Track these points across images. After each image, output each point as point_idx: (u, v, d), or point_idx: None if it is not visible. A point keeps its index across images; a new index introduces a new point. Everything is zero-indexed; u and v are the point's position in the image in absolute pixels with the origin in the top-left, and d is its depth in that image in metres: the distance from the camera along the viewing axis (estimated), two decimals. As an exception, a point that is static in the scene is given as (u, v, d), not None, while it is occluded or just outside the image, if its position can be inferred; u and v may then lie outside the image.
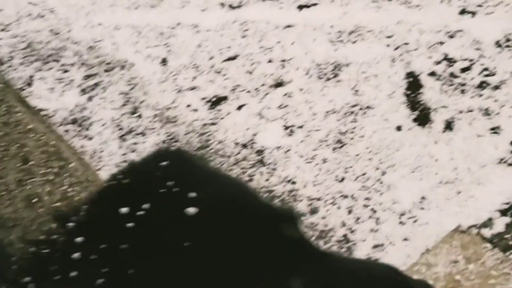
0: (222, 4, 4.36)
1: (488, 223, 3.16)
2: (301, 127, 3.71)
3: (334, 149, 3.61)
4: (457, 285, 2.67)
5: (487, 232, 3.10)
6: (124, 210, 0.99)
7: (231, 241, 1.00)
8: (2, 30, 4.45)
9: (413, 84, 3.80)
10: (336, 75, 3.88)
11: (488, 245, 2.76)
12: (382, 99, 3.76)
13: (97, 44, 4.27)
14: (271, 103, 3.82)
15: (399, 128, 3.64)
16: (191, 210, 0.98)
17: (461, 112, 3.64)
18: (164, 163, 1.10)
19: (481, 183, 3.36)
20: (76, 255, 0.97)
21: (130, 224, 0.97)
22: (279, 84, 3.90)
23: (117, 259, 0.96)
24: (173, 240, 0.97)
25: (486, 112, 3.60)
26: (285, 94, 3.85)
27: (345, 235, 3.29)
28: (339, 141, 3.63)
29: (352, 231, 3.31)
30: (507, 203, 3.24)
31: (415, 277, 2.68)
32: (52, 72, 4.14)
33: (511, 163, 3.40)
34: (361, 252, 3.21)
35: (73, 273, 0.96)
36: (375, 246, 3.22)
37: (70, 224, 1.04)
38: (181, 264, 0.96)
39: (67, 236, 1.03)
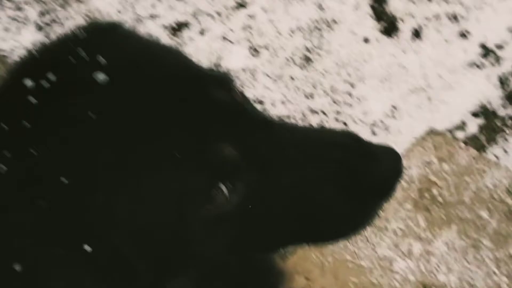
0: None
1: (461, 126, 3.11)
2: (266, 47, 3.61)
3: (301, 66, 3.52)
4: (433, 185, 2.64)
5: (460, 134, 3.05)
6: (28, 83, 0.91)
7: (147, 105, 0.92)
8: None
9: (378, -6, 3.70)
10: (298, -8, 3.77)
11: (462, 144, 2.73)
12: (347, 12, 3.66)
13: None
14: (234, 26, 3.71)
15: (366, 40, 3.56)
16: (100, 76, 0.90)
17: (428, 19, 3.56)
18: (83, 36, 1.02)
19: (452, 88, 3.31)
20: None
21: (34, 100, 0.89)
22: (241, 6, 3.78)
23: (21, 138, 0.88)
24: (81, 111, 0.88)
25: (454, 17, 3.53)
26: (248, 15, 3.74)
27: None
28: (306, 58, 3.54)
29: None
30: (478, 105, 3.19)
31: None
32: (6, 11, 3.98)
33: (480, 65, 3.34)
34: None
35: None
36: (349, 159, 3.16)
37: None
38: (90, 136, 0.88)
39: None
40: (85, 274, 0.86)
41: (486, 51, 3.39)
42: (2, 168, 0.86)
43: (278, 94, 3.46)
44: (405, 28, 3.55)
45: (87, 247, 0.85)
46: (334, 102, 3.39)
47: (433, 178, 2.66)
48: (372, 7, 3.65)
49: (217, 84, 1.03)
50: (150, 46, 1.09)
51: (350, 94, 3.39)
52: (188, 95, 0.96)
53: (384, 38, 3.55)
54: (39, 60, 0.98)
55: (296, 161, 1.05)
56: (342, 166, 1.08)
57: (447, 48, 3.44)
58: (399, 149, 2.88)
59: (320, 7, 3.70)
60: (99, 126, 0.87)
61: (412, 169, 2.71)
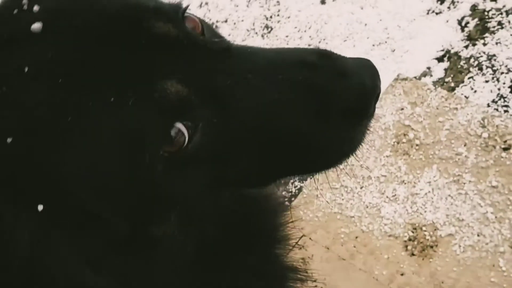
0: None
1: (427, 72, 3.15)
2: (225, 21, 3.62)
3: (262, 35, 3.53)
4: (408, 129, 2.67)
5: (428, 80, 3.09)
6: None
7: (84, 49, 0.85)
8: None
9: (329, -44, 3.72)
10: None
11: (431, 87, 2.76)
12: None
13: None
14: (192, 3, 3.70)
15: (323, 2, 3.58)
16: (36, 26, 0.84)
17: (381, -27, 3.58)
18: None
19: (413, 37, 3.34)
20: None
21: None
22: (195, -16, 3.78)
23: None
24: (19, 64, 0.83)
25: (406, -32, 3.56)
26: (203, -8, 3.74)
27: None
28: (266, 26, 3.55)
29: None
30: (441, 50, 3.22)
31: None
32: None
33: (438, 11, 3.38)
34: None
35: None
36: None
37: None
38: (32, 88, 0.83)
39: None
40: (42, 231, 0.83)
41: (442, -3, 3.44)
42: None
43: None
44: (360, -15, 3.58)
45: (40, 207, 0.81)
46: (300, 65, 3.40)
47: (408, 123, 2.70)
48: (325, -32, 3.67)
49: (162, 17, 0.93)
50: None
51: (314, 56, 3.41)
52: (126, 33, 0.88)
53: (340, -3, 3.58)
54: None
55: (257, 87, 0.95)
56: (309, 87, 0.97)
57: (403, -1, 3.48)
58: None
59: (273, -25, 3.71)
60: (39, 78, 0.82)
61: (386, 117, 2.74)
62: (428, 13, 3.38)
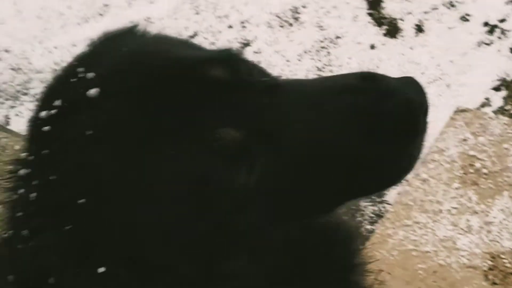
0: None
1: (486, 103, 3.15)
2: (279, 77, 3.70)
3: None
4: (474, 159, 2.66)
5: (487, 110, 3.09)
6: (43, 114, 0.92)
7: (141, 103, 0.90)
8: (-35, 84, 4.42)
9: (373, 2, 3.80)
10: (297, 19, 3.88)
11: (492, 115, 2.76)
12: (348, 25, 3.76)
13: (59, 66, 4.25)
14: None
15: (372, 47, 3.64)
16: (92, 91, 0.89)
17: (426, 12, 3.64)
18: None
19: (468, 70, 3.37)
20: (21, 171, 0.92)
21: (46, 128, 0.91)
22: (246, 45, 3.90)
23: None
24: (78, 129, 0.88)
25: (451, 4, 3.61)
26: (255, 52, 3.84)
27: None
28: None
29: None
30: (497, 79, 3.23)
31: (431, 166, 2.68)
32: (26, 105, 4.11)
33: (489, 42, 3.40)
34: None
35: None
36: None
37: None
38: (94, 151, 0.87)
39: None
40: None
41: (491, 28, 3.46)
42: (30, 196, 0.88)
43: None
44: (407, 26, 3.64)
45: (101, 269, 0.83)
46: (357, 111, 3.45)
47: (473, 153, 2.69)
48: (370, 14, 3.75)
49: (214, 64, 0.97)
50: (143, 40, 1.08)
51: (370, 100, 3.45)
52: (179, 85, 0.92)
53: (389, 40, 3.63)
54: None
55: (306, 119, 0.98)
56: (356, 111, 0.98)
57: (452, 34, 3.51)
58: (432, 138, 2.94)
59: (321, 27, 3.80)
60: (101, 139, 0.87)
61: (450, 149, 2.74)
62: (479, 45, 3.41)
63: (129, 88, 0.91)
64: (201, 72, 0.95)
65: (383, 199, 3.05)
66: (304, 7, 3.90)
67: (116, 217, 0.86)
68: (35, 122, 0.94)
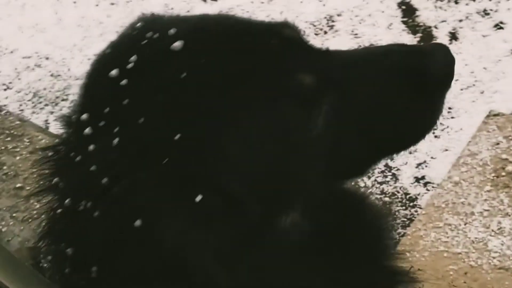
0: (204, 0, 4.45)
1: (519, 109, 3.16)
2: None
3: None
4: (506, 163, 2.68)
5: (521, 116, 3.09)
6: (113, 72, 0.99)
7: (230, 55, 1.01)
8: (6, 89, 4.55)
9: (407, 10, 3.84)
10: (332, 27, 3.93)
11: (525, 119, 2.77)
12: (382, 34, 3.80)
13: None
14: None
15: (407, 54, 3.66)
16: (177, 44, 0.97)
17: (461, 20, 3.67)
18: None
19: (501, 77, 3.38)
20: (87, 130, 0.98)
21: (124, 82, 0.97)
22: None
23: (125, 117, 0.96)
24: (170, 76, 0.97)
25: (485, 13, 3.63)
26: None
27: (386, 164, 3.30)
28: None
29: (392, 159, 3.32)
30: (531, 86, 3.24)
31: (463, 169, 2.70)
32: (65, 111, 4.21)
33: (524, 50, 3.41)
34: (406, 174, 3.21)
35: (90, 147, 0.96)
36: (418, 165, 3.23)
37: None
38: (192, 92, 0.96)
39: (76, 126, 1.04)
40: (193, 223, 0.91)
41: (525, 36, 3.47)
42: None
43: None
44: (441, 34, 3.66)
45: (198, 197, 0.90)
46: (391, 117, 3.48)
47: (505, 156, 2.70)
48: (404, 22, 3.78)
49: (286, 26, 1.13)
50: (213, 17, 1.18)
51: (404, 106, 3.48)
52: (266, 39, 1.05)
53: (423, 48, 3.65)
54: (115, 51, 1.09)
55: (363, 75, 1.15)
56: (402, 67, 1.16)
57: (486, 42, 3.53)
58: (464, 141, 2.95)
59: (355, 35, 3.84)
60: (194, 83, 0.96)
61: (482, 153, 2.76)
62: (512, 52, 3.42)
63: (213, 44, 1.01)
64: (278, 31, 1.09)
65: (415, 203, 3.07)
66: (339, 15, 3.95)
67: (209, 151, 0.94)
68: (105, 80, 1.01)
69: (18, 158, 3.35)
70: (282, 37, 1.07)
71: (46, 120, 4.21)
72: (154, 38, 1.02)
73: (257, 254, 1.01)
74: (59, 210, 1.00)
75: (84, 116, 0.99)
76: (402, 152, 1.31)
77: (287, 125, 1.01)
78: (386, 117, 1.17)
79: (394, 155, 1.32)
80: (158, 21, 1.12)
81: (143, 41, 1.02)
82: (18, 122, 3.33)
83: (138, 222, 0.88)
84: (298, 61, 1.06)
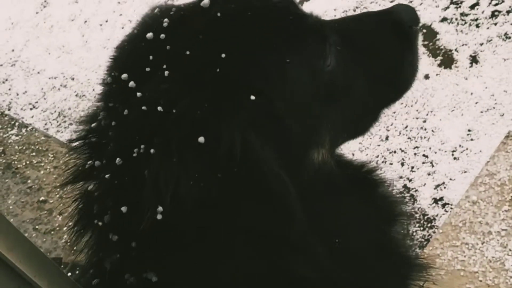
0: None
1: (539, 132, 3.14)
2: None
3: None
4: (524, 183, 2.66)
5: (540, 139, 3.08)
6: (149, 35, 1.15)
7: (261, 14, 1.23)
8: (32, 108, 4.64)
9: (428, 34, 3.85)
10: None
11: (543, 140, 2.76)
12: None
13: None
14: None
15: (427, 77, 3.68)
16: (205, 1, 1.18)
17: (481, 44, 3.67)
18: None
19: (522, 100, 3.37)
20: (130, 83, 1.10)
21: (162, 35, 1.14)
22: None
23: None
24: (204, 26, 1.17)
25: (506, 36, 3.63)
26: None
27: (404, 185, 3.30)
28: (373, 106, 3.66)
29: (410, 180, 3.33)
30: (552, 109, 3.23)
31: (481, 189, 2.69)
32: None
33: (545, 73, 3.40)
34: (425, 195, 3.21)
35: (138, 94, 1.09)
36: (437, 186, 3.22)
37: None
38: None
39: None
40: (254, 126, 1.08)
41: (546, 59, 3.46)
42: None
43: (354, 145, 3.58)
44: (461, 57, 3.67)
45: (252, 97, 1.09)
46: (410, 138, 3.49)
47: (524, 177, 2.70)
48: (425, 45, 3.80)
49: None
50: None
51: (424, 128, 3.49)
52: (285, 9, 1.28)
53: (443, 71, 3.67)
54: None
55: (353, 27, 1.47)
56: (385, 19, 1.50)
57: (507, 65, 3.53)
58: (483, 164, 2.95)
59: (376, 58, 3.86)
60: (235, 20, 1.19)
61: (500, 173, 2.75)
62: (533, 76, 3.42)
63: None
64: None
65: (433, 224, 3.07)
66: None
67: (255, 67, 1.14)
68: (141, 42, 1.18)
69: (42, 172, 3.42)
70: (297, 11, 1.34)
71: (70, 139, 4.26)
72: (181, 7, 1.24)
73: (299, 179, 1.16)
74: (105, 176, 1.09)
75: (124, 75, 1.12)
76: (398, 99, 1.61)
77: (312, 56, 1.25)
78: (378, 58, 1.46)
79: (391, 103, 1.60)
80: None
81: (171, 12, 1.22)
82: (43, 138, 3.40)
83: (201, 139, 1.00)
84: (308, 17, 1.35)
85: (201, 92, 1.05)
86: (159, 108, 1.02)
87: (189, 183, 0.98)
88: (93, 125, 1.16)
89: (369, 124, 1.57)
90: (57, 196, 2.99)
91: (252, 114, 1.08)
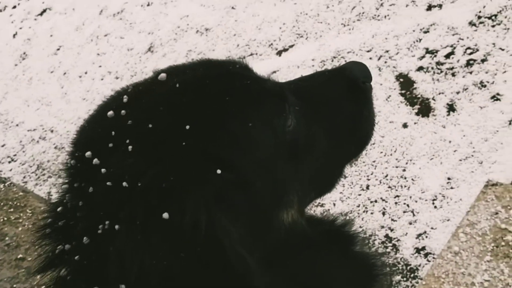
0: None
1: (518, 179, 3.17)
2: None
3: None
4: (505, 232, 2.68)
5: (519, 186, 3.10)
6: (110, 113, 1.15)
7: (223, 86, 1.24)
8: (10, 162, 4.60)
9: (405, 83, 3.90)
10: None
11: (522, 189, 2.78)
12: (380, 105, 3.86)
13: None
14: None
15: (405, 125, 3.71)
16: (162, 75, 1.21)
17: (458, 92, 3.72)
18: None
19: (499, 148, 3.39)
20: (94, 161, 1.09)
21: (123, 111, 1.14)
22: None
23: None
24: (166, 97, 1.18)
25: (482, 85, 3.68)
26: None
27: (386, 235, 3.30)
28: (353, 155, 3.68)
29: (392, 230, 3.32)
30: (530, 156, 3.25)
31: (463, 239, 2.70)
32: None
33: (521, 120, 3.44)
34: (407, 244, 3.20)
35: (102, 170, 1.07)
36: (418, 236, 3.22)
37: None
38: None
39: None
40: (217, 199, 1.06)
41: (522, 107, 3.51)
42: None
43: (336, 194, 3.58)
44: (439, 106, 3.71)
45: (218, 171, 1.08)
46: (390, 187, 3.49)
47: (504, 226, 2.70)
48: (402, 94, 3.84)
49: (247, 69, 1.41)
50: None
51: (404, 177, 3.50)
52: (246, 78, 1.30)
53: (421, 119, 3.70)
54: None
55: (309, 89, 1.49)
56: (335, 79, 1.54)
57: (483, 113, 3.57)
58: (464, 212, 2.96)
59: (355, 107, 3.89)
60: (189, 92, 1.18)
61: (481, 223, 2.76)
62: (510, 123, 3.45)
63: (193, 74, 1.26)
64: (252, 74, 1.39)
65: (416, 274, 3.05)
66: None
67: (219, 135, 1.14)
68: (102, 120, 1.17)
69: (20, 229, 3.37)
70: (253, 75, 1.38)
71: (49, 192, 4.23)
72: (147, 80, 1.28)
73: (269, 242, 1.19)
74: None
75: (88, 153, 1.10)
76: (359, 154, 1.63)
77: (273, 118, 1.26)
78: (336, 116, 1.48)
79: (353, 158, 1.62)
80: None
81: (128, 89, 1.24)
82: (21, 193, 3.36)
83: (166, 215, 0.98)
84: (264, 81, 1.37)
85: (166, 165, 1.04)
86: (124, 184, 1.01)
87: (153, 262, 0.97)
88: (59, 209, 1.14)
89: (334, 181, 1.55)
90: (35, 253, 2.94)
91: (218, 187, 1.07)
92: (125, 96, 1.17)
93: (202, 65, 1.32)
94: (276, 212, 1.22)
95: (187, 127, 1.09)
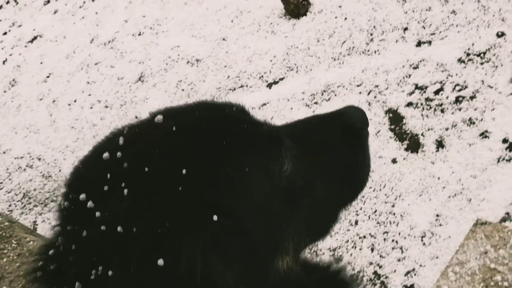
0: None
1: (506, 217, 3.18)
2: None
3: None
4: (494, 272, 2.67)
5: (508, 224, 3.10)
6: (105, 155, 1.12)
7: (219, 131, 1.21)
8: (-5, 190, 4.57)
9: (394, 118, 3.92)
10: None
11: None
12: (370, 140, 3.86)
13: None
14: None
15: (394, 161, 3.72)
16: (159, 117, 1.19)
17: (447, 129, 3.74)
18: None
19: (488, 185, 3.41)
20: (89, 204, 1.07)
21: (118, 154, 1.11)
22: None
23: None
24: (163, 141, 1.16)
25: (471, 122, 3.70)
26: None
27: (375, 272, 3.29)
28: (342, 190, 3.68)
29: (380, 266, 3.31)
30: (518, 194, 3.27)
31: (452, 278, 2.69)
32: (54, 212, 4.22)
33: (509, 158, 3.46)
34: (395, 282, 3.19)
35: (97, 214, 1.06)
36: (407, 273, 3.21)
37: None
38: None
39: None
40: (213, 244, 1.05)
41: (510, 145, 3.53)
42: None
43: (324, 229, 3.57)
44: (428, 142, 3.73)
45: (215, 217, 1.06)
46: (379, 223, 3.49)
47: (493, 266, 2.69)
48: (392, 129, 3.85)
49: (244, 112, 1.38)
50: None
51: (392, 213, 3.50)
52: (244, 122, 1.30)
53: (410, 155, 3.72)
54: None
55: (305, 133, 1.48)
56: (332, 124, 1.51)
57: (472, 150, 3.59)
58: (452, 250, 2.95)
59: (344, 141, 3.90)
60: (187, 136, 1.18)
61: (470, 262, 2.75)
62: (499, 161, 3.47)
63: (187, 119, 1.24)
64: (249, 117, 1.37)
65: (405, 312, 3.04)
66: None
67: (216, 181, 1.13)
68: (97, 162, 1.14)
69: (5, 260, 3.32)
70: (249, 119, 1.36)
71: (35, 222, 4.20)
72: (144, 120, 1.25)
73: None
74: None
75: (82, 196, 1.08)
76: (354, 199, 1.60)
77: (270, 162, 1.24)
78: (332, 161, 1.47)
79: (348, 203, 1.57)
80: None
81: (124, 131, 1.20)
82: (7, 223, 3.32)
83: (161, 261, 0.97)
84: (261, 125, 1.35)
85: (162, 210, 1.03)
86: (119, 228, 1.00)
87: None
88: (50, 252, 1.12)
89: (330, 226, 1.54)
90: (20, 285, 2.90)
91: (214, 233, 1.05)
92: (121, 138, 1.15)
93: (199, 108, 1.30)
94: (272, 259, 1.21)
95: (184, 171, 1.08)
